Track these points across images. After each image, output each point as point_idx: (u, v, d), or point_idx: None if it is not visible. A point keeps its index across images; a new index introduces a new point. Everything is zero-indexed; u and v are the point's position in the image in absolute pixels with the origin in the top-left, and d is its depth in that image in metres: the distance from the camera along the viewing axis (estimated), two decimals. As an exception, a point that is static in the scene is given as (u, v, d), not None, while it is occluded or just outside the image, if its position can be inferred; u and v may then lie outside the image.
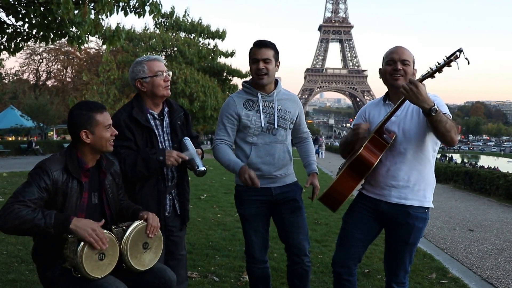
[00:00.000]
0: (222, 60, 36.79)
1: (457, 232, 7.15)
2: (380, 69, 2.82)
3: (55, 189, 2.31)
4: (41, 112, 31.97)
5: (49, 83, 50.55)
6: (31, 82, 48.50)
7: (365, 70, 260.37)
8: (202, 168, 2.78)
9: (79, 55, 46.38)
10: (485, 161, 63.98)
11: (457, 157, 72.17)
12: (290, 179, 3.21)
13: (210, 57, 35.19)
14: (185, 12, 35.78)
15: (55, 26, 5.35)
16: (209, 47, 35.87)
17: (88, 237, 2.20)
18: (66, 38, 5.70)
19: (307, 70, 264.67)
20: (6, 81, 39.66)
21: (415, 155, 2.69)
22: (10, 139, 35.37)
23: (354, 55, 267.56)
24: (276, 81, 3.16)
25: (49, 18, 5.13)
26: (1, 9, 5.32)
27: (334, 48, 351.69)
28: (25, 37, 5.79)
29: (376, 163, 2.63)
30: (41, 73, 50.85)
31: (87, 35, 5.72)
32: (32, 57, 48.60)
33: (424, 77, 2.47)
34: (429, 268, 4.92)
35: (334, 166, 22.28)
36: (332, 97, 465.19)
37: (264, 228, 3.23)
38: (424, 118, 2.54)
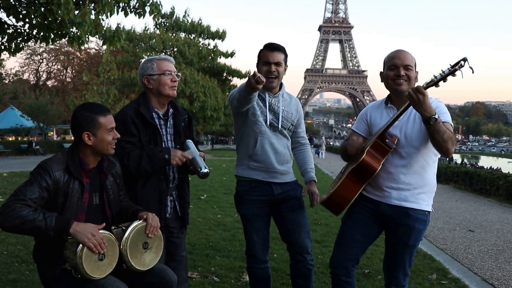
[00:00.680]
0: (222, 60, 36.88)
1: (458, 233, 7.15)
2: (381, 72, 2.81)
3: (56, 189, 2.31)
4: (41, 112, 32.00)
5: (49, 83, 50.61)
6: (31, 82, 48.55)
7: (365, 71, 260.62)
8: (205, 170, 2.78)
9: (79, 55, 46.43)
10: (485, 162, 63.92)
11: (457, 158, 72.18)
12: (290, 178, 3.23)
13: (210, 57, 35.22)
14: (185, 12, 35.86)
15: (56, 26, 5.35)
16: (209, 47, 35.92)
17: (88, 242, 2.20)
18: (67, 38, 5.69)
19: (307, 70, 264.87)
20: (7, 81, 39.73)
21: (416, 159, 2.69)
22: (10, 139, 35.40)
23: (354, 55, 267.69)
24: (281, 84, 3.20)
25: (50, 19, 5.12)
26: (1, 10, 5.32)
27: (334, 49, 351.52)
28: (25, 38, 5.79)
29: (379, 169, 2.63)
30: (41, 73, 50.94)
31: (87, 36, 5.72)
32: (32, 57, 48.69)
33: (428, 85, 2.46)
34: (429, 268, 4.92)
35: (334, 166, 22.29)
36: (332, 97, 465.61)
37: (265, 228, 3.24)
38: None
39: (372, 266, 4.85)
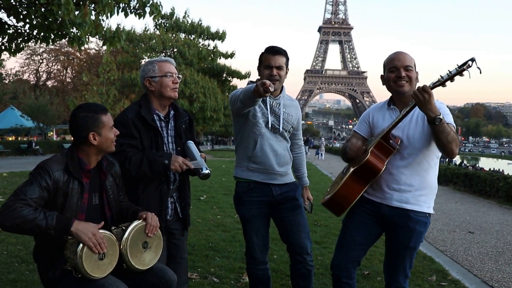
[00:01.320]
0: (222, 61, 36.90)
1: (457, 234, 7.15)
2: (382, 75, 2.81)
3: (56, 189, 2.32)
4: (41, 112, 32.00)
5: (49, 83, 50.62)
6: (31, 83, 48.55)
7: (364, 72, 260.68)
8: (206, 171, 2.78)
9: (79, 55, 46.46)
10: (485, 163, 63.91)
11: (456, 159, 72.18)
12: (289, 179, 3.24)
13: (210, 58, 35.24)
14: (185, 13, 35.92)
15: (56, 27, 5.35)
16: (209, 48, 35.93)
17: (88, 241, 2.21)
18: (67, 39, 5.70)
19: (307, 71, 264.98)
20: (7, 81, 39.70)
21: (418, 160, 2.69)
22: (10, 139, 35.39)
23: (353, 56, 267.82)
24: (282, 86, 3.21)
25: (50, 19, 5.13)
26: (2, 10, 5.32)
27: (333, 50, 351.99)
28: (25, 38, 5.79)
29: (383, 169, 2.62)
30: (41, 73, 50.93)
31: (87, 36, 5.72)
32: (32, 58, 48.68)
33: (435, 85, 2.46)
34: (429, 270, 4.92)
35: (334, 167, 22.28)
36: (332, 98, 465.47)
37: (264, 229, 3.24)
38: (428, 125, 2.56)
39: (372, 268, 4.85)
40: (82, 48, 6.04)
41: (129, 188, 2.77)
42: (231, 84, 38.10)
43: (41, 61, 49.76)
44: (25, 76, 49.48)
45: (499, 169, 37.52)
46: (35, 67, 50.19)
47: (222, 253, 5.21)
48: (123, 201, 2.68)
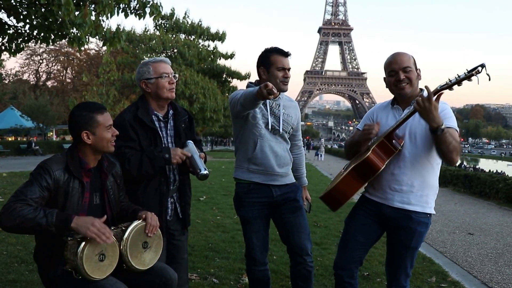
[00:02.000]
0: (221, 62, 36.85)
1: (457, 236, 7.15)
2: (384, 78, 2.81)
3: (56, 188, 2.32)
4: (41, 112, 32.01)
5: (49, 83, 50.66)
6: (31, 83, 48.59)
7: (364, 73, 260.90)
8: (205, 172, 2.77)
9: (79, 56, 46.48)
10: (485, 164, 63.87)
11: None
12: (289, 180, 3.23)
13: (210, 59, 35.20)
14: (185, 13, 35.85)
15: (56, 27, 5.35)
16: (209, 49, 35.89)
17: (90, 233, 2.18)
18: (67, 39, 5.70)
19: (307, 72, 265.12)
20: (6, 82, 39.71)
21: (420, 160, 2.69)
22: (10, 139, 35.39)
23: (353, 57, 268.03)
24: None
25: (50, 19, 5.13)
26: (2, 10, 5.32)
27: (333, 51, 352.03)
28: (25, 38, 5.79)
29: (382, 168, 2.63)
30: (41, 73, 50.99)
31: (87, 36, 5.72)
32: (32, 58, 48.76)
33: (442, 88, 2.45)
34: (428, 271, 4.92)
35: (334, 168, 22.28)
36: (332, 99, 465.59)
37: (264, 230, 3.24)
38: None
39: (372, 269, 4.84)
40: (82, 48, 6.04)
41: (129, 188, 2.76)
42: (231, 85, 38.06)
43: (41, 61, 49.86)
44: (25, 76, 49.59)
45: (501, 171, 37.41)
46: (35, 67, 50.28)
47: (221, 254, 5.20)
48: (124, 201, 2.68)
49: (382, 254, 5.16)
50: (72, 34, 5.57)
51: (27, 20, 5.41)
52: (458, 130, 2.63)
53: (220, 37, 35.51)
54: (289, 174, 3.23)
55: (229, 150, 46.62)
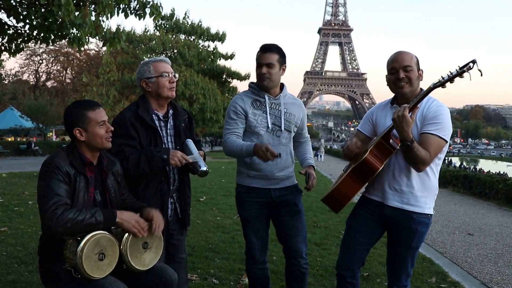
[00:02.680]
0: (221, 62, 36.88)
1: (457, 236, 7.15)
2: (386, 76, 2.82)
3: (69, 182, 2.34)
4: (41, 113, 32.00)
5: (48, 84, 50.64)
6: (31, 83, 48.58)
7: (364, 73, 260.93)
8: (204, 168, 2.78)
9: (79, 56, 46.45)
10: (484, 165, 63.91)
11: (456, 161, 72.17)
12: (290, 182, 3.22)
13: (210, 59, 35.23)
14: (185, 14, 35.95)
15: (56, 27, 5.34)
16: (208, 49, 35.92)
17: (133, 228, 2.35)
18: (67, 39, 5.69)
19: (307, 72, 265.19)
20: (6, 82, 39.70)
21: None
22: (9, 139, 35.37)
23: (353, 58, 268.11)
24: (282, 85, 3.20)
25: (50, 20, 5.12)
26: (2, 10, 5.32)
27: (333, 51, 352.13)
28: (25, 38, 5.78)
29: (380, 169, 2.63)
30: (41, 74, 50.96)
31: (87, 37, 5.72)
32: (32, 58, 48.72)
33: (435, 86, 2.47)
34: (428, 272, 4.92)
35: (334, 169, 22.28)
36: (331, 100, 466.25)
37: (264, 230, 3.24)
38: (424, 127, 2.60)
39: (372, 269, 4.84)
40: (82, 49, 6.04)
41: (130, 188, 2.77)
42: (230, 85, 38.08)
43: (40, 61, 49.82)
44: (25, 77, 49.57)
45: (504, 172, 37.39)
46: (34, 68, 50.25)
47: (221, 255, 5.20)
48: (128, 199, 2.69)
49: (382, 255, 5.16)
50: (72, 34, 5.57)
51: (27, 20, 5.40)
52: (446, 138, 2.61)
53: (220, 37, 35.53)
54: (289, 177, 3.22)
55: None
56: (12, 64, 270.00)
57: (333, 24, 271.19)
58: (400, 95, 2.72)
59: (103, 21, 5.57)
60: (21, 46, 5.90)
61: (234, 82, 38.57)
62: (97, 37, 5.98)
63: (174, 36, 34.88)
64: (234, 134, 3.07)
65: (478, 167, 54.85)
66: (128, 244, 2.38)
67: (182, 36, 35.41)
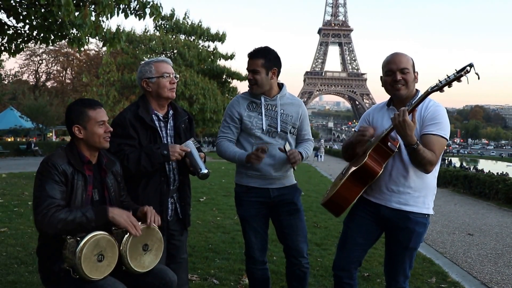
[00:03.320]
0: (221, 62, 36.83)
1: (457, 236, 7.15)
2: (381, 77, 2.81)
3: (66, 182, 2.35)
4: (41, 113, 31.98)
5: (48, 84, 50.62)
6: (31, 83, 48.55)
7: (364, 74, 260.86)
8: (205, 171, 2.78)
9: (78, 56, 46.41)
10: (484, 165, 63.84)
11: (456, 161, 72.12)
12: (289, 181, 3.22)
13: (210, 59, 35.19)
14: (185, 14, 35.92)
15: (56, 27, 5.34)
16: (208, 49, 35.89)
17: (125, 223, 2.32)
18: (67, 39, 5.69)
19: (307, 73, 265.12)
20: (6, 82, 39.69)
21: None
22: (9, 140, 35.36)
23: (353, 58, 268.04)
24: (281, 86, 3.19)
25: (50, 20, 5.12)
26: (2, 11, 5.31)
27: (333, 51, 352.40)
28: (25, 39, 5.78)
29: (381, 172, 2.62)
30: (40, 74, 50.94)
31: (87, 37, 5.71)
32: (32, 58, 48.68)
33: (433, 90, 2.46)
34: (428, 272, 4.92)
35: (333, 169, 22.28)
36: (331, 100, 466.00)
37: (263, 229, 3.24)
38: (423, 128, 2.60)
39: (371, 270, 4.84)
40: (82, 49, 6.03)
41: (129, 188, 2.77)
42: (231, 85, 38.06)
43: (40, 62, 49.78)
44: (25, 77, 49.55)
45: (505, 173, 37.33)
46: (34, 68, 50.23)
47: (222, 255, 5.20)
48: (125, 201, 2.69)
49: (382, 255, 5.14)
50: (72, 34, 5.56)
51: (27, 21, 5.39)
52: (446, 137, 2.62)
53: (220, 37, 35.50)
54: (288, 177, 3.21)
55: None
56: (12, 64, 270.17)
57: (333, 25, 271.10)
58: (397, 97, 2.72)
59: (103, 21, 5.56)
60: (21, 46, 5.89)
61: (234, 83, 38.57)
62: (97, 38, 5.97)
63: (174, 36, 34.85)
64: (226, 138, 3.17)
65: (478, 167, 54.75)
66: (128, 246, 2.37)
67: (182, 36, 35.37)
